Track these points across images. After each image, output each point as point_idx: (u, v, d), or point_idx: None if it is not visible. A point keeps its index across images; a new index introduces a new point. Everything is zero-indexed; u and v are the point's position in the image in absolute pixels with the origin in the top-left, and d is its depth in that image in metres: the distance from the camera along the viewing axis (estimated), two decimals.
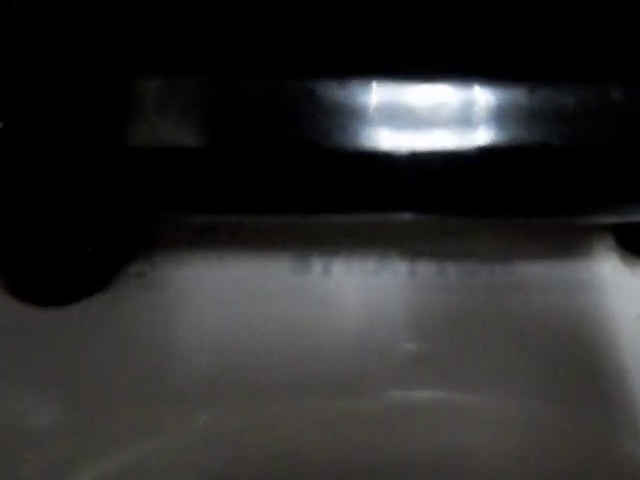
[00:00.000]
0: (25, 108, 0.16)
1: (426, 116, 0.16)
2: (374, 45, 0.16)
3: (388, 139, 0.15)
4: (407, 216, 0.18)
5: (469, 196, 0.17)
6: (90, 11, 0.17)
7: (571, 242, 0.20)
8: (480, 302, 0.19)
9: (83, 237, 0.18)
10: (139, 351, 0.19)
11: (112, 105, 0.16)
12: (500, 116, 0.16)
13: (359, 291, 0.19)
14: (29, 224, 0.18)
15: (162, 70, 0.16)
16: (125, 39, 0.16)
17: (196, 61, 0.16)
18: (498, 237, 0.20)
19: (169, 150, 0.15)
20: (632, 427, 0.20)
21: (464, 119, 0.16)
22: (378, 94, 0.15)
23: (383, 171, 0.16)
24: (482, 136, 0.16)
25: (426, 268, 0.19)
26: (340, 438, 0.20)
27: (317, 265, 0.19)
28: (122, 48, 0.16)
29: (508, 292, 0.20)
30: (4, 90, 0.16)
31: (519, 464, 0.20)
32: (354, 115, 0.15)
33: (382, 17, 0.16)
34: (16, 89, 0.16)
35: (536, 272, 0.20)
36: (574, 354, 0.20)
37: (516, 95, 0.16)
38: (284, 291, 0.19)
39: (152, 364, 0.19)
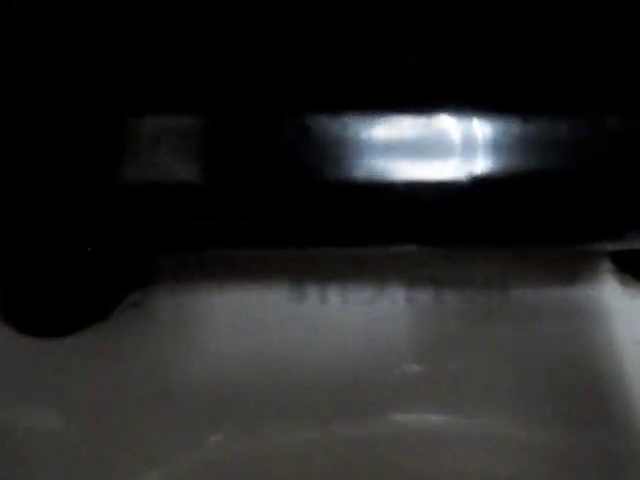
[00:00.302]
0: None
1: (423, 147, 0.16)
2: (368, 78, 0.16)
3: (384, 171, 0.15)
4: (406, 247, 0.18)
5: (467, 226, 0.17)
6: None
7: (568, 266, 0.20)
8: (478, 328, 0.19)
9: (81, 268, 0.18)
10: (137, 380, 0.19)
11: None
12: (495, 146, 0.16)
13: (356, 318, 0.19)
14: (28, 254, 0.18)
15: (160, 106, 0.16)
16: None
17: (194, 97, 0.16)
18: (495, 263, 0.20)
19: (166, 185, 0.16)
20: (632, 452, 0.20)
21: (460, 150, 0.16)
22: (374, 127, 0.15)
23: (380, 203, 0.16)
24: (478, 166, 0.16)
25: (423, 295, 0.19)
26: (340, 462, 0.20)
27: (313, 293, 0.19)
28: (123, 68, 0.16)
29: (506, 318, 0.20)
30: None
31: None
32: (350, 148, 0.15)
33: (377, 51, 0.16)
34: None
35: (533, 298, 0.20)
36: (572, 379, 0.20)
37: (510, 125, 0.16)
38: (281, 320, 0.19)
39: (149, 392, 0.19)
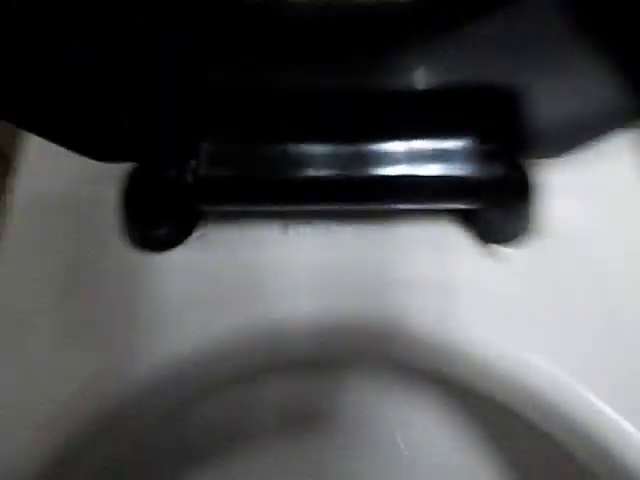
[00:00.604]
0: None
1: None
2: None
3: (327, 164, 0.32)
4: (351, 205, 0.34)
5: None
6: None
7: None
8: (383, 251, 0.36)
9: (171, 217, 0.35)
10: (197, 283, 0.36)
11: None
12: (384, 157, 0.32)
13: (315, 244, 0.36)
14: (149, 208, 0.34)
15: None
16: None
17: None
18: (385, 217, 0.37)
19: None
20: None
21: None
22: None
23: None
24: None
25: (345, 229, 0.36)
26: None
27: (292, 229, 0.36)
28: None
29: (384, 246, 0.36)
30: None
31: None
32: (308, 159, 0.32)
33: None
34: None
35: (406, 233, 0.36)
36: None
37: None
38: (275, 243, 0.36)
39: (207, 288, 0.35)
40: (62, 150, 0.33)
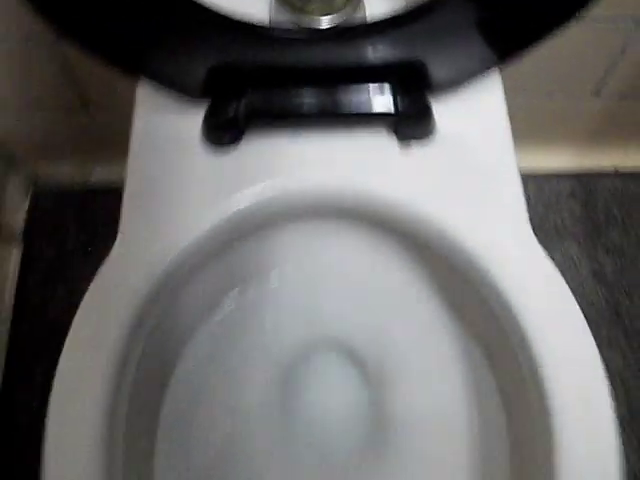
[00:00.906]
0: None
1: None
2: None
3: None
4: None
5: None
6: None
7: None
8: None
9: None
10: (241, 168, 0.64)
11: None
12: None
13: (304, 145, 0.64)
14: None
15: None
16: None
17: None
18: None
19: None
20: None
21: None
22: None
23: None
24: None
25: (324, 137, 0.64)
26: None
27: (296, 137, 0.64)
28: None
29: (344, 145, 0.64)
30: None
31: None
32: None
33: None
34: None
35: (355, 138, 0.64)
36: None
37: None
38: (284, 145, 0.64)
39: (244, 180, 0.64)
40: (163, 99, 0.61)
